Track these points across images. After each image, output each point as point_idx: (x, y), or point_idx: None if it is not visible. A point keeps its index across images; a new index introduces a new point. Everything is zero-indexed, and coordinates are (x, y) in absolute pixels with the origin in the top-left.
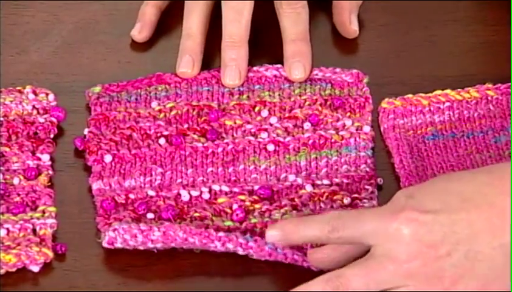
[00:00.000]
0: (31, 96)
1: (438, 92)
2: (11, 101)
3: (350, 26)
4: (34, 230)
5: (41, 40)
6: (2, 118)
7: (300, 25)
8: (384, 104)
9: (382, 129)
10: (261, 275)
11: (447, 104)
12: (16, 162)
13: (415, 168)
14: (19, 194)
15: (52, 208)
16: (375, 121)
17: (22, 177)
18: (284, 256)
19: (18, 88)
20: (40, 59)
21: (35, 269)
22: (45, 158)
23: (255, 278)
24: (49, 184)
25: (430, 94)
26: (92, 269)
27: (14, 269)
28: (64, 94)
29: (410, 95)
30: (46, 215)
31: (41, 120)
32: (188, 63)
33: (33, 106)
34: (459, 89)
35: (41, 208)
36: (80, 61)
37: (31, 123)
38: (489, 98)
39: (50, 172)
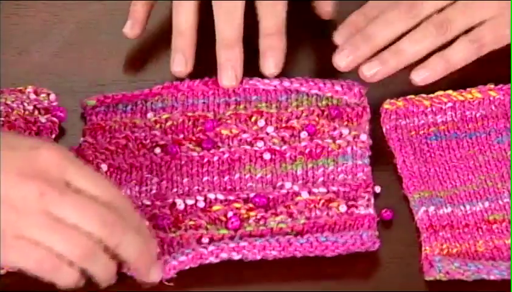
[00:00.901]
0: (32, 96)
1: (440, 92)
2: (12, 102)
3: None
4: None
5: (42, 40)
6: (3, 119)
7: (276, 18)
8: (386, 105)
9: (384, 130)
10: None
11: (449, 104)
12: None
13: (417, 168)
14: None
15: None
16: (377, 122)
17: None
18: (278, 251)
19: (19, 88)
20: (41, 60)
21: None
22: None
23: (251, 285)
24: None
25: (432, 95)
26: None
27: (15, 269)
28: (65, 94)
29: (412, 96)
30: None
31: (43, 120)
32: (180, 62)
33: (35, 106)
34: (461, 90)
35: None
36: (81, 61)
37: (32, 123)
38: (492, 98)
39: None
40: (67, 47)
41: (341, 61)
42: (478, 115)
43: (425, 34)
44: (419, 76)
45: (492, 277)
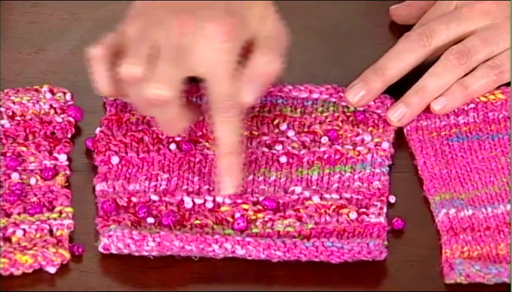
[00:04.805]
0: (48, 95)
1: None
2: (28, 101)
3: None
4: (51, 231)
5: (58, 39)
6: (19, 118)
7: (233, 137)
8: None
9: (405, 131)
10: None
11: (472, 106)
12: (33, 162)
13: (438, 170)
14: (35, 195)
15: (69, 209)
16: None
17: (39, 178)
18: (283, 252)
19: (35, 87)
20: (58, 58)
21: (52, 270)
22: (62, 158)
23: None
24: (66, 184)
25: None
26: (108, 271)
27: (30, 270)
28: (81, 94)
29: None
30: (63, 215)
31: (58, 119)
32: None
33: (50, 106)
34: None
35: (57, 208)
36: None
37: (48, 123)
38: None
39: (67, 172)
40: (84, 46)
41: (352, 96)
42: (500, 116)
43: (446, 66)
44: (439, 105)
45: None
